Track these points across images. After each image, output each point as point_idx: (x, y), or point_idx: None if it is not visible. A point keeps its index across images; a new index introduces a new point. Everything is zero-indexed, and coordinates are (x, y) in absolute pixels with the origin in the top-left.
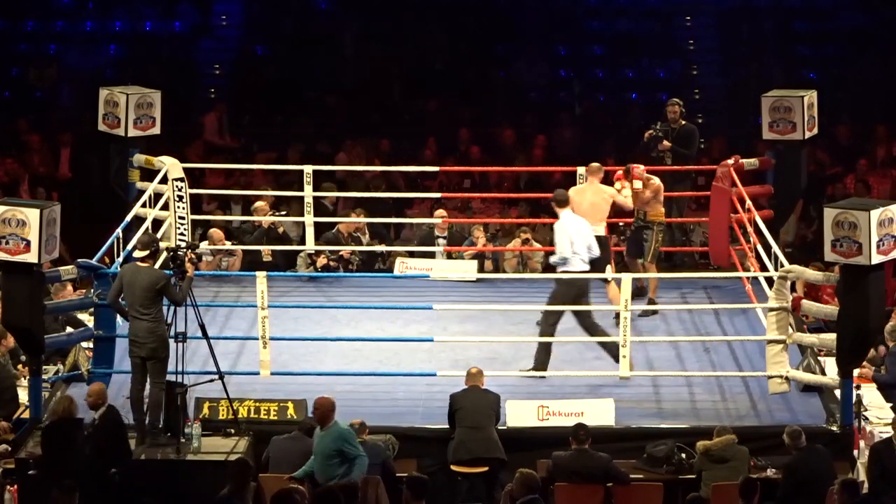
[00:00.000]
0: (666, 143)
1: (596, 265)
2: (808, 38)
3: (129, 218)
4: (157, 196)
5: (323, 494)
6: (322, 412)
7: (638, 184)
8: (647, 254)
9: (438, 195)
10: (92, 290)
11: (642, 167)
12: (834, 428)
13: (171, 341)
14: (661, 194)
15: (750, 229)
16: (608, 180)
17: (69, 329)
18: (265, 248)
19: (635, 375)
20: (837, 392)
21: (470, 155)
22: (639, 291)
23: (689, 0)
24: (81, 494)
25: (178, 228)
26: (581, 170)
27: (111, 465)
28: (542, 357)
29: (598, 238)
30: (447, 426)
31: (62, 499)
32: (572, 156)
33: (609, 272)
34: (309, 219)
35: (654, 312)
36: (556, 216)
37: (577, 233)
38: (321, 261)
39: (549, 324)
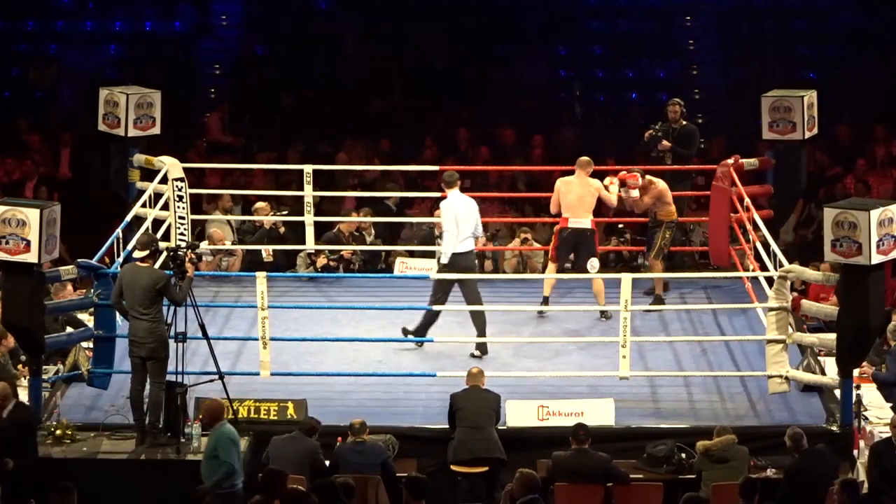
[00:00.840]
0: (665, 143)
1: (579, 259)
2: (808, 38)
3: (129, 218)
4: (158, 196)
5: (324, 487)
6: (210, 415)
7: (635, 192)
8: (653, 249)
9: (438, 195)
10: (92, 290)
11: (638, 177)
12: (834, 428)
13: (171, 341)
14: (668, 195)
15: (750, 229)
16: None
17: (69, 329)
18: (266, 248)
19: (635, 375)
20: (837, 392)
21: (477, 155)
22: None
23: (689, 0)
24: None
25: (178, 228)
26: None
27: (16, 463)
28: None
29: (584, 230)
30: (447, 426)
31: (60, 499)
32: (572, 156)
33: (593, 264)
34: (309, 218)
35: (661, 302)
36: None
37: (462, 213)
38: (321, 261)
39: (435, 298)
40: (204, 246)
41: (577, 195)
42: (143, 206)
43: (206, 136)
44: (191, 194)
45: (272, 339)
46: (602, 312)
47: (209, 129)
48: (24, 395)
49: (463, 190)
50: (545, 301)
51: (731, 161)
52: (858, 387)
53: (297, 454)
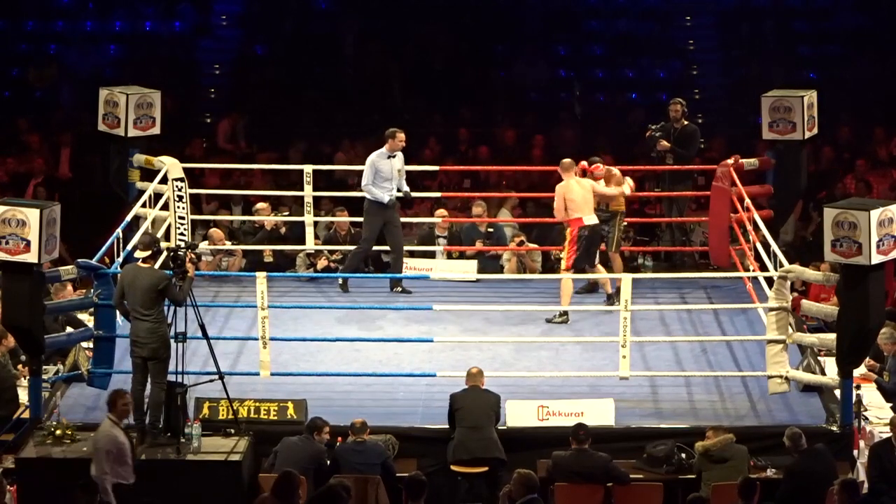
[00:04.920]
0: (664, 143)
1: (590, 252)
2: (808, 38)
3: (129, 218)
4: (158, 196)
5: (325, 491)
6: None
7: (601, 183)
8: (612, 244)
9: (438, 195)
10: (92, 290)
11: (601, 166)
12: (834, 428)
13: (172, 341)
14: (623, 184)
15: (750, 229)
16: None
17: (69, 329)
18: (266, 248)
19: (635, 375)
20: (837, 392)
21: (477, 155)
22: (592, 287)
23: (689, 0)
24: None
25: (178, 228)
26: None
27: None
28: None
29: (592, 226)
30: (447, 426)
31: (83, 498)
32: (572, 156)
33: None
34: (309, 218)
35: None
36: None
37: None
38: (321, 263)
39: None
40: (204, 246)
41: (581, 195)
42: (143, 206)
43: (214, 141)
44: (190, 194)
45: (272, 339)
46: (609, 297)
47: (217, 134)
48: (24, 395)
49: (462, 189)
50: (566, 314)
51: (731, 161)
52: (858, 387)
53: (304, 457)
